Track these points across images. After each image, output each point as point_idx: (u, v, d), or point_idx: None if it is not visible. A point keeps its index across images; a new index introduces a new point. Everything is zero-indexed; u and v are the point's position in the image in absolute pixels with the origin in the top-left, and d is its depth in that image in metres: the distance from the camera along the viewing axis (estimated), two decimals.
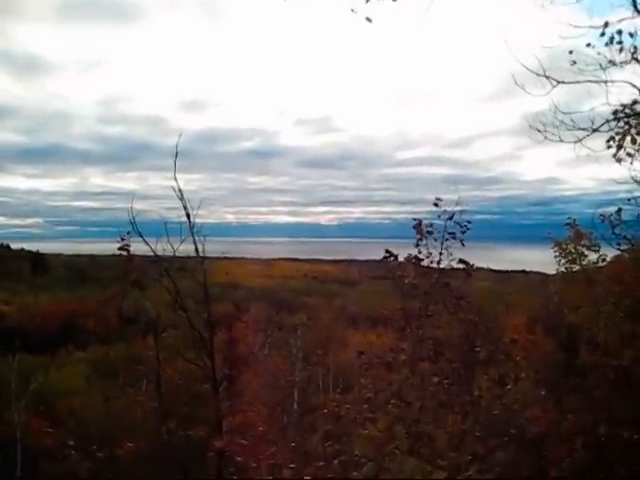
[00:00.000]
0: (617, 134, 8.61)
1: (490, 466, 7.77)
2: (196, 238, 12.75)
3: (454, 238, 9.04)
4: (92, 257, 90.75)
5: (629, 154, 8.69)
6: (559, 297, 14.89)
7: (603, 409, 11.20)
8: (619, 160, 8.77)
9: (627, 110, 8.61)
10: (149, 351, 15.32)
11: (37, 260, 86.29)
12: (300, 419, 18.77)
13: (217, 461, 12.25)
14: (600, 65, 8.57)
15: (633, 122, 8.59)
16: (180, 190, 12.67)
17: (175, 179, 12.63)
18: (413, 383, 8.30)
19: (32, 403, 20.91)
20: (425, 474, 6.51)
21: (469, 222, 9.09)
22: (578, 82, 8.79)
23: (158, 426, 14.79)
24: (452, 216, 9.00)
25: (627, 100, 8.62)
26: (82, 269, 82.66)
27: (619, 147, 8.62)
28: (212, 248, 13.71)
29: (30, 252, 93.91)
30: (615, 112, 8.66)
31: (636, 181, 9.67)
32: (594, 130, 8.75)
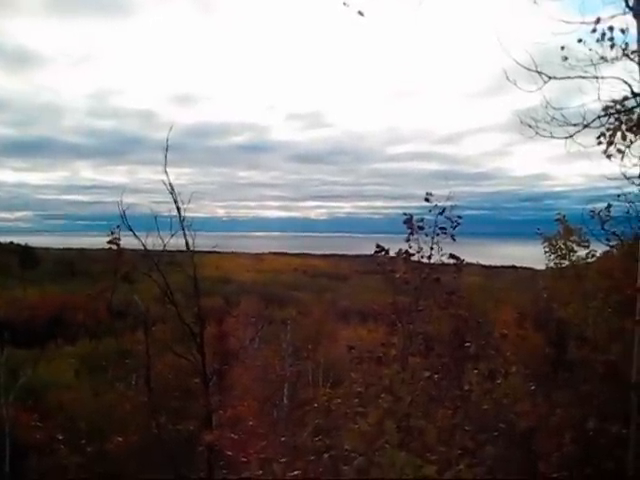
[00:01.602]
0: (608, 130, 8.63)
1: (480, 460, 7.79)
2: (186, 232, 12.74)
3: (445, 233, 9.05)
4: (82, 251, 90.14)
5: (619, 150, 8.71)
6: (548, 293, 14.95)
7: (592, 404, 11.27)
8: (609, 156, 8.79)
9: (618, 106, 8.64)
10: (139, 345, 15.29)
11: (26, 254, 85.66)
12: (290, 413, 18.79)
13: (207, 455, 12.27)
14: (591, 61, 8.60)
15: (624, 118, 8.62)
16: (170, 184, 12.67)
17: (165, 173, 12.65)
18: (404, 378, 8.30)
19: (21, 397, 20.78)
20: (415, 468, 6.51)
21: (460, 217, 9.10)
22: (569, 78, 8.81)
23: (148, 420, 14.77)
24: (443, 211, 9.01)
25: (618, 96, 8.65)
26: (71, 263, 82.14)
27: (610, 143, 8.64)
28: (202, 242, 13.71)
29: (19, 246, 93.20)
30: (606, 108, 8.69)
31: (626, 177, 9.71)
32: (585, 126, 8.78)
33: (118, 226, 12.71)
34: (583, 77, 8.75)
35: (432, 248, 9.06)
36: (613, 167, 9.21)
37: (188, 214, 12.78)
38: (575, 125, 8.86)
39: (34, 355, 33.84)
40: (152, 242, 12.76)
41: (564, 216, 14.71)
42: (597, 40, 8.48)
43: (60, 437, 17.51)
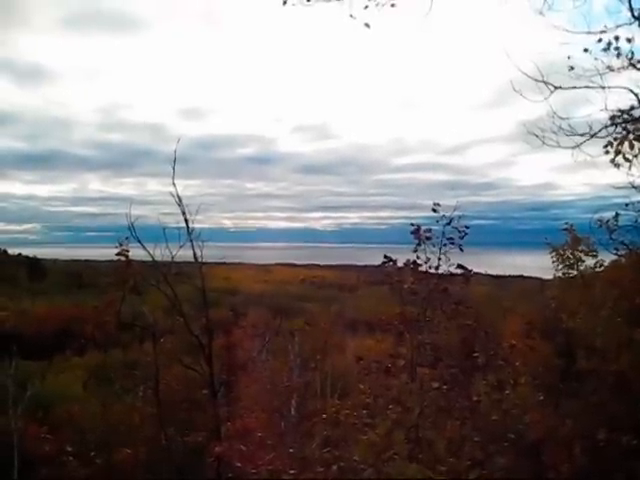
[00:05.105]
0: (615, 139, 8.63)
1: (489, 471, 7.76)
2: (194, 243, 12.78)
3: (452, 243, 9.04)
4: (90, 262, 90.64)
5: (627, 159, 8.71)
6: (557, 302, 14.88)
7: (601, 414, 11.20)
8: (617, 165, 8.78)
9: (625, 116, 8.64)
10: (147, 357, 15.29)
11: (34, 265, 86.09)
12: (299, 425, 18.70)
13: (216, 467, 12.23)
14: (598, 71, 8.61)
15: (631, 127, 8.61)
16: (178, 196, 12.72)
17: (174, 185, 12.69)
18: (412, 388, 8.30)
19: (29, 409, 20.80)
20: None
21: (467, 227, 9.10)
22: (576, 88, 8.83)
23: (156, 432, 14.75)
24: (450, 221, 9.00)
25: (625, 106, 8.66)
26: (80, 274, 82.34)
27: (617, 152, 8.63)
28: (209, 253, 13.74)
29: (27, 257, 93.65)
30: (613, 117, 8.69)
31: (634, 186, 9.69)
32: (592, 136, 8.77)
33: (127, 238, 12.76)
34: (589, 87, 8.76)
35: (440, 258, 9.05)
36: (619, 176, 9.21)
37: (196, 225, 12.84)
38: (582, 135, 8.86)
39: (42, 367, 33.95)
40: (160, 253, 12.80)
41: (571, 225, 14.68)
42: (603, 49, 8.51)
43: (69, 449, 17.49)
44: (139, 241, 12.72)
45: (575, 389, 12.39)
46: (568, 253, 14.75)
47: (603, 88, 8.69)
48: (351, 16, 7.71)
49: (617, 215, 12.80)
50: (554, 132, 8.98)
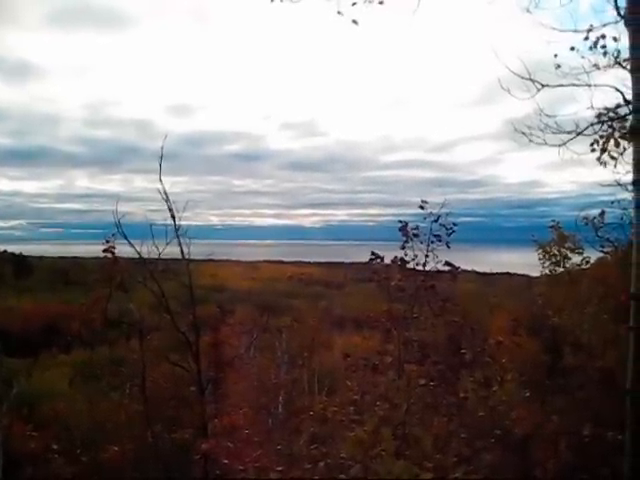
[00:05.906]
0: (601, 137, 8.70)
1: (476, 468, 7.79)
2: (181, 240, 12.71)
3: (439, 241, 9.07)
4: (76, 259, 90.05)
5: (613, 157, 8.78)
6: (543, 299, 14.97)
7: (587, 410, 11.27)
8: (603, 163, 8.85)
9: (611, 114, 8.71)
10: (133, 354, 15.22)
11: (20, 262, 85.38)
12: (286, 421, 18.69)
13: (203, 464, 12.20)
14: (584, 69, 8.67)
15: (617, 125, 8.69)
16: (165, 192, 12.63)
17: (160, 181, 12.59)
18: (399, 385, 8.32)
19: (15, 407, 20.64)
20: (412, 476, 6.51)
21: (455, 224, 9.13)
22: (562, 86, 8.88)
23: (143, 429, 14.70)
24: (438, 218, 9.03)
25: (611, 104, 8.72)
26: (66, 271, 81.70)
27: (603, 150, 8.70)
28: (197, 250, 13.68)
29: (13, 254, 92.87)
30: (599, 115, 8.76)
31: (620, 184, 9.75)
32: (578, 133, 8.84)
33: (113, 234, 12.68)
34: (576, 85, 8.82)
35: (427, 255, 9.08)
36: (606, 174, 9.28)
37: (183, 222, 12.74)
38: (568, 132, 8.92)
39: (28, 364, 33.72)
40: (147, 250, 12.73)
41: (558, 223, 14.75)
42: (590, 48, 8.57)
43: (55, 447, 17.38)
44: (126, 238, 12.64)
45: (561, 385, 12.46)
46: (555, 250, 14.82)
47: (589, 86, 8.76)
48: (339, 13, 7.72)
49: (603, 213, 12.88)
50: (541, 130, 9.04)
